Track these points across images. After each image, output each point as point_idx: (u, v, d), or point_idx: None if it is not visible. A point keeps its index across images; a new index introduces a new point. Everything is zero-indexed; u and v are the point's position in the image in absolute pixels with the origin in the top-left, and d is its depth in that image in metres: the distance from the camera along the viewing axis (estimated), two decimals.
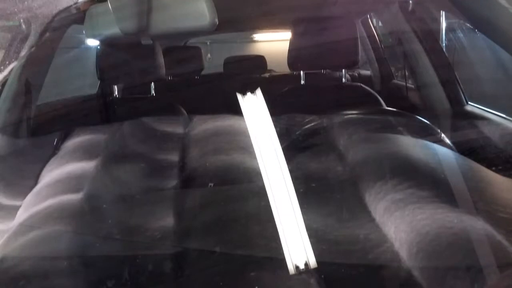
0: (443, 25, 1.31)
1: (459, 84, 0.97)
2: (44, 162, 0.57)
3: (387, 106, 1.01)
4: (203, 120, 0.67)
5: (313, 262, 0.39)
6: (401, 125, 0.66)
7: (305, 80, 1.33)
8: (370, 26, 1.64)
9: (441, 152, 0.59)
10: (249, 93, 0.48)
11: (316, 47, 1.06)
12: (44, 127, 0.66)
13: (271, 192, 0.46)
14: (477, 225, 0.41)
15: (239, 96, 0.47)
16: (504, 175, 0.51)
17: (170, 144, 0.59)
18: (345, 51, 1.07)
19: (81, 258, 0.44)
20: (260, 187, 0.47)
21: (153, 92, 1.37)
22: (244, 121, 0.47)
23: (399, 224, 0.42)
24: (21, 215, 0.50)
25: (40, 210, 0.49)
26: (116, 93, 1.24)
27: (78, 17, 0.93)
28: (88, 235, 0.47)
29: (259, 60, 1.91)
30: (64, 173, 0.54)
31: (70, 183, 0.52)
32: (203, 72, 1.77)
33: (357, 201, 0.45)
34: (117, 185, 0.53)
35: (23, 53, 0.92)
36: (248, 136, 0.48)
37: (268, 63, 1.90)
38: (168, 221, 0.46)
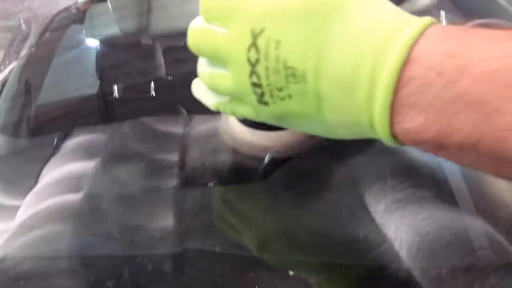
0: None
1: None
2: (44, 162, 0.57)
3: None
4: (203, 120, 0.67)
5: (313, 262, 0.39)
6: None
7: None
8: None
9: None
10: None
11: None
12: (44, 127, 0.66)
13: (272, 192, 0.46)
14: (477, 225, 0.41)
15: None
16: None
17: (170, 144, 0.59)
18: None
19: (81, 258, 0.44)
20: (260, 187, 0.47)
21: (153, 92, 1.37)
22: None
23: (399, 224, 0.42)
24: (21, 215, 0.50)
25: (40, 210, 0.49)
26: (116, 93, 1.24)
27: (78, 17, 0.93)
28: (88, 235, 0.47)
29: None
30: (64, 173, 0.54)
31: (70, 183, 0.52)
32: None
33: (357, 201, 0.45)
34: (117, 185, 0.53)
35: (23, 53, 0.92)
36: None
37: None
38: (168, 221, 0.46)
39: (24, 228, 0.48)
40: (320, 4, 0.28)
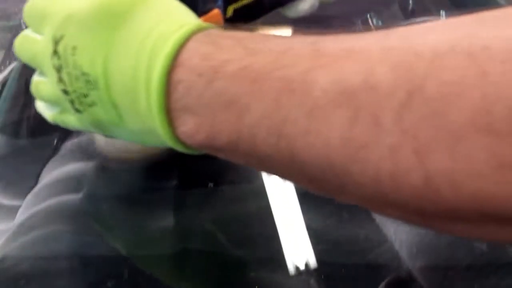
0: None
1: None
2: (44, 162, 0.57)
3: None
4: None
5: (313, 262, 0.39)
6: None
7: None
8: (370, 26, 1.63)
9: None
10: None
11: None
12: (44, 127, 0.66)
13: (271, 192, 0.46)
14: None
15: None
16: None
17: None
18: None
19: (81, 258, 0.44)
20: (260, 187, 0.47)
21: None
22: None
23: (399, 224, 0.42)
24: (21, 215, 0.50)
25: (40, 210, 0.49)
26: None
27: None
28: (88, 235, 0.47)
29: None
30: (64, 173, 0.54)
31: (70, 183, 0.52)
32: None
33: None
34: (117, 185, 0.53)
35: None
36: None
37: None
38: (168, 221, 0.46)
39: (24, 228, 0.48)
40: (110, 9, 0.28)
